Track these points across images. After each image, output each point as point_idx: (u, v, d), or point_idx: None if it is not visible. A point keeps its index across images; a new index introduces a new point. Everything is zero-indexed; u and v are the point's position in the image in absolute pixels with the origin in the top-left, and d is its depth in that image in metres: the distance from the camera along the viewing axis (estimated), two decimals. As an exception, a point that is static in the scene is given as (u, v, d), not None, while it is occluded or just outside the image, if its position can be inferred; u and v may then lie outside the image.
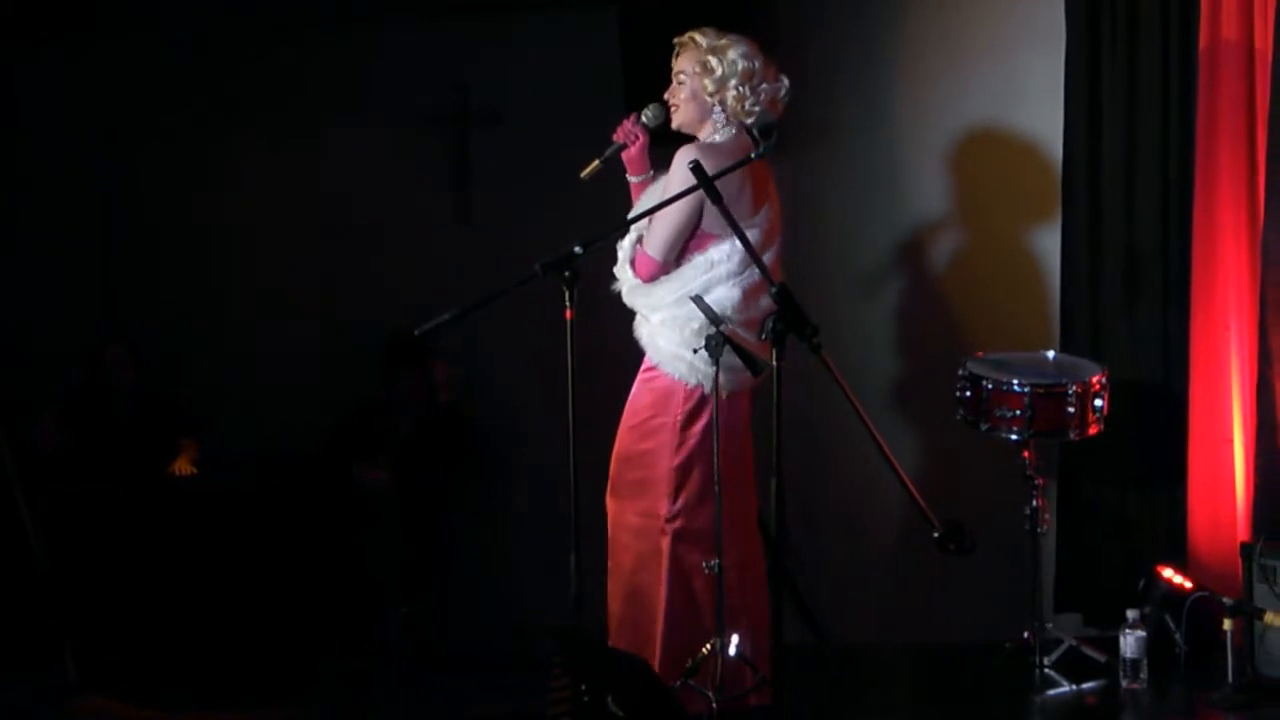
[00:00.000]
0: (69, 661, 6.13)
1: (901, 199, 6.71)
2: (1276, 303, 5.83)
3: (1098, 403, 5.79)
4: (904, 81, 6.69)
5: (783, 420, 4.28)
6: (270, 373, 7.21)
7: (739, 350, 4.98)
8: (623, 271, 5.33)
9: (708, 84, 5.24)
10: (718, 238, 5.19)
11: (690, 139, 5.32)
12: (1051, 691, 5.70)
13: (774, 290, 4.39)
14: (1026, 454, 5.77)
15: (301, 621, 6.54)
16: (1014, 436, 5.76)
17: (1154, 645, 5.71)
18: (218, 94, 7.28)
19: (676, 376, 5.25)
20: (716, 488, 5.12)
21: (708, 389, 5.16)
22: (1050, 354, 6.08)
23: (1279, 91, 5.85)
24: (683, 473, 5.26)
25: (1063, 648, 5.82)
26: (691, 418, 5.25)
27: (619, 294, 5.34)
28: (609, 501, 5.36)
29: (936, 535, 4.38)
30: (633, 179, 5.46)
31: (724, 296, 5.16)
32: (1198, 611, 5.78)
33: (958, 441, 6.20)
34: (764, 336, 4.47)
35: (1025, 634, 5.83)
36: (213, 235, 7.32)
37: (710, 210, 5.07)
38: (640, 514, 5.30)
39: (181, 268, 7.35)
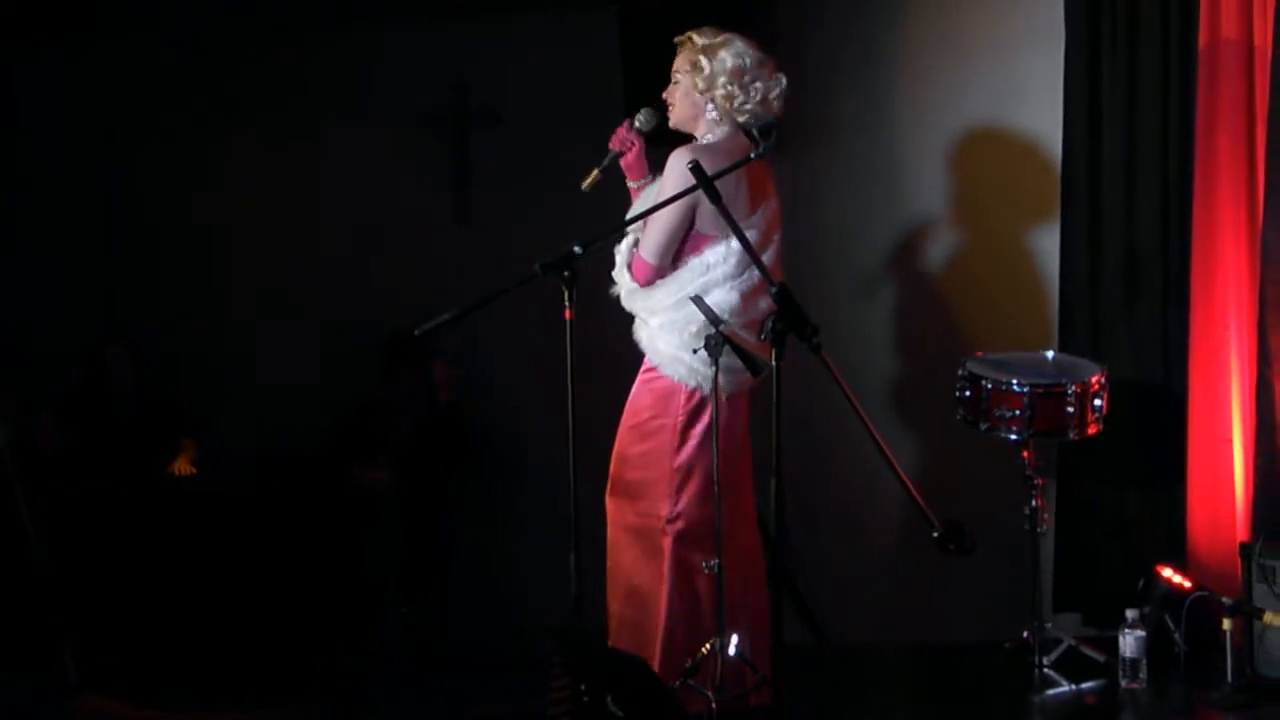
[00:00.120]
0: (69, 661, 6.13)
1: (901, 198, 6.71)
2: (1276, 302, 5.82)
3: (1097, 402, 5.79)
4: (904, 81, 6.69)
5: (782, 420, 4.28)
6: (270, 373, 7.21)
7: (738, 350, 4.98)
8: (620, 275, 5.33)
9: (698, 82, 5.25)
10: (713, 240, 5.18)
11: (690, 138, 5.33)
12: (1051, 691, 5.70)
13: (774, 290, 4.39)
14: (1026, 454, 5.78)
15: (301, 621, 6.54)
16: (1013, 436, 5.76)
17: (1153, 645, 5.71)
18: (218, 94, 7.28)
19: (676, 379, 5.25)
20: (716, 488, 5.12)
21: (707, 390, 5.17)
22: (1050, 354, 6.09)
23: (1279, 90, 5.84)
24: (683, 473, 5.26)
25: (1062, 647, 5.81)
26: (692, 419, 5.26)
27: (618, 297, 5.35)
28: (608, 501, 5.37)
29: (936, 535, 4.38)
30: (632, 185, 5.46)
31: (721, 300, 5.16)
32: (1197, 611, 5.78)
33: (957, 441, 6.21)
34: (763, 336, 4.46)
35: (1025, 634, 5.83)
36: (213, 235, 7.32)
37: (704, 211, 5.07)
38: (640, 514, 5.30)
39: (181, 268, 7.35)
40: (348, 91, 7.20)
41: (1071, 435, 5.80)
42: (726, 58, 5.23)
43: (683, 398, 5.26)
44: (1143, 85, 6.25)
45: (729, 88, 5.23)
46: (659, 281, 5.23)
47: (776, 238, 5.35)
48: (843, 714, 5.74)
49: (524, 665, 5.35)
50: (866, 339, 6.66)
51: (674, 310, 5.19)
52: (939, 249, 6.69)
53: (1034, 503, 5.79)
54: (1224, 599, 5.63)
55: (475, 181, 7.18)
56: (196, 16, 7.06)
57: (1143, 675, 5.64)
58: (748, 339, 5.11)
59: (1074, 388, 5.74)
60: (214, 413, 7.12)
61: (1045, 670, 5.75)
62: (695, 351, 5.10)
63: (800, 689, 4.99)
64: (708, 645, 5.15)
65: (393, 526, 6.79)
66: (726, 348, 4.99)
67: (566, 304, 4.75)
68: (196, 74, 7.28)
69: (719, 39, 5.26)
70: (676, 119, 5.34)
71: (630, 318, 5.38)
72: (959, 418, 5.90)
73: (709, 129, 5.29)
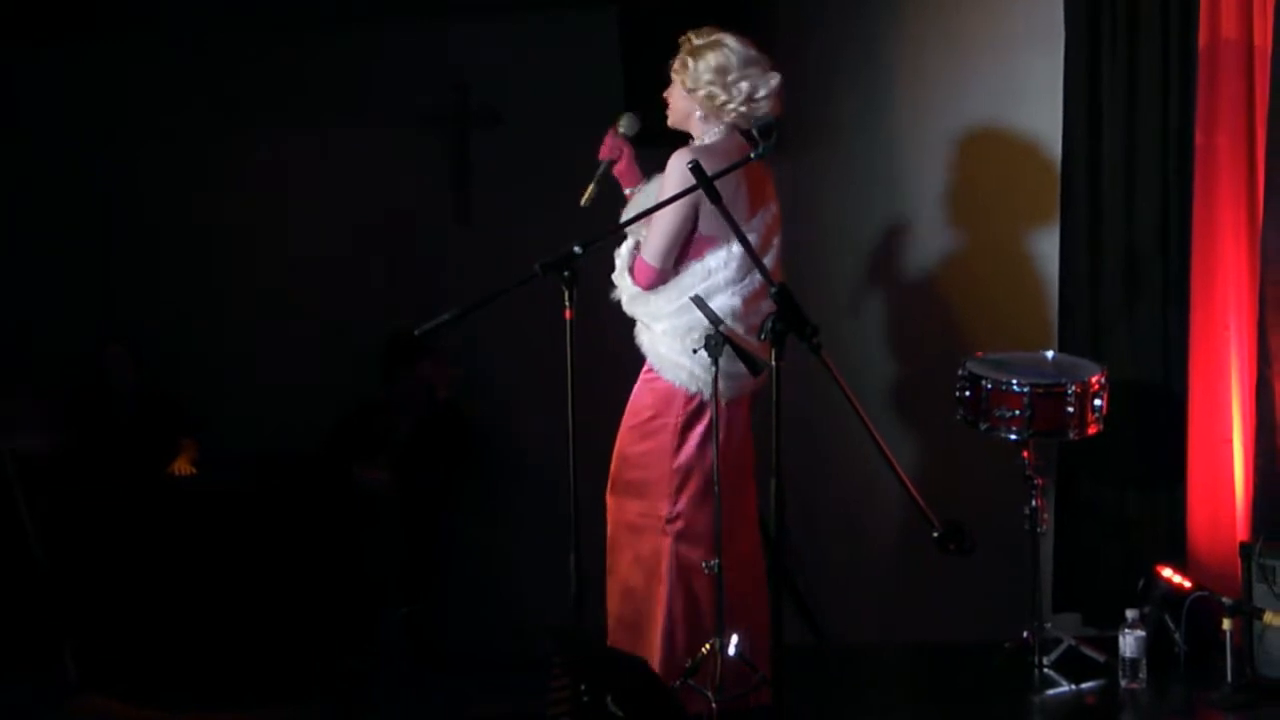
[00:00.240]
0: (69, 661, 6.13)
1: (901, 198, 6.71)
2: (1276, 302, 5.82)
3: (1097, 402, 5.79)
4: (904, 81, 6.70)
5: (782, 420, 4.28)
6: (270, 373, 7.21)
7: (738, 350, 4.97)
8: (621, 279, 5.32)
9: (685, 81, 5.27)
10: (715, 244, 5.18)
11: (689, 138, 5.33)
12: (1051, 691, 5.70)
13: (773, 290, 4.39)
14: (1026, 454, 5.77)
15: (301, 621, 6.54)
16: (1013, 436, 5.76)
17: (1153, 645, 5.70)
18: (218, 94, 7.28)
19: (678, 384, 5.25)
20: (716, 488, 5.12)
21: (708, 395, 5.17)
22: (1050, 354, 6.08)
23: (1279, 90, 5.84)
24: (683, 474, 5.26)
25: (1062, 647, 5.81)
26: (692, 419, 5.25)
27: (619, 301, 5.34)
28: (609, 500, 5.37)
29: (936, 535, 4.38)
30: (628, 191, 5.46)
31: (724, 305, 5.16)
32: (1197, 611, 5.78)
33: (957, 441, 6.20)
34: (763, 337, 4.47)
35: (1025, 634, 5.82)
36: (213, 235, 7.32)
37: (707, 213, 5.07)
38: (640, 514, 5.30)
39: (181, 268, 7.35)
40: (348, 91, 7.20)
41: (1071, 435, 5.80)
42: (711, 57, 5.24)
43: (683, 398, 5.25)
44: (1143, 85, 6.25)
45: (711, 87, 5.24)
46: (661, 287, 5.23)
47: (777, 241, 5.34)
48: (843, 714, 5.74)
49: (524, 665, 5.35)
50: (866, 339, 6.67)
51: (677, 316, 5.18)
52: (939, 249, 6.69)
53: (1034, 503, 5.79)
54: (1224, 599, 5.63)
55: (475, 181, 7.18)
56: (196, 16, 7.06)
57: (1143, 675, 5.64)
58: (748, 339, 5.11)
59: (1074, 388, 5.74)
60: (214, 413, 7.12)
61: (1045, 670, 5.75)
62: (695, 351, 5.10)
63: (800, 689, 4.99)
64: (707, 645, 5.15)
65: (393, 526, 6.79)
66: (726, 347, 4.99)
67: (566, 304, 4.75)
68: (196, 74, 7.28)
69: (709, 39, 5.26)
70: (673, 119, 5.35)
71: (631, 319, 5.38)
72: (959, 418, 5.90)
73: (702, 128, 5.29)
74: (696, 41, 5.27)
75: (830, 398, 4.63)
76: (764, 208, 5.33)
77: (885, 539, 6.58)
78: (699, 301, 5.02)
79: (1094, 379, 5.80)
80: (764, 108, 5.24)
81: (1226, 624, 5.57)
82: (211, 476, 6.91)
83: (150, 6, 7.10)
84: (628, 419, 5.36)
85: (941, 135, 6.64)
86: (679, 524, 5.26)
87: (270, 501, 6.74)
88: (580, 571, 4.79)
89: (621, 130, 5.42)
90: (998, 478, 6.01)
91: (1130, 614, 5.67)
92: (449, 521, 6.96)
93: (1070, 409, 5.73)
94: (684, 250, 5.22)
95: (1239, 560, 5.73)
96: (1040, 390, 5.72)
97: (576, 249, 4.73)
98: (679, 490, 5.26)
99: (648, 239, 5.24)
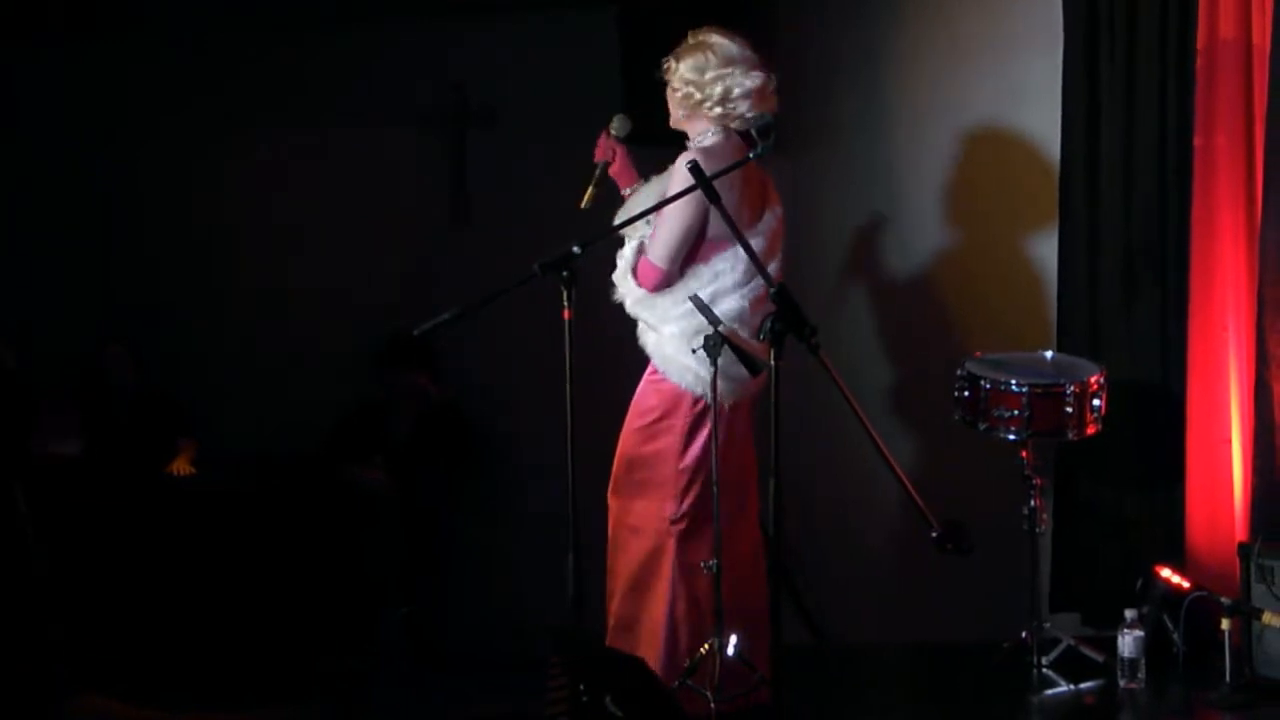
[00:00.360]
0: (69, 661, 6.13)
1: (900, 198, 6.71)
2: (1274, 303, 5.82)
3: (1095, 403, 5.79)
4: (903, 81, 6.70)
5: (781, 421, 4.28)
6: (270, 373, 7.21)
7: (737, 350, 4.98)
8: (624, 282, 5.32)
9: (672, 80, 5.29)
10: (722, 247, 5.18)
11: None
12: (1049, 691, 5.71)
13: (773, 291, 4.40)
14: (1024, 454, 5.78)
15: (301, 621, 6.55)
16: (1012, 436, 5.76)
17: (1152, 645, 5.71)
18: (218, 94, 7.28)
19: (684, 386, 5.24)
20: (715, 489, 5.13)
21: (724, 395, 5.16)
22: (1048, 354, 6.09)
23: (1277, 89, 5.84)
24: (689, 475, 5.26)
25: (1061, 647, 5.82)
26: (700, 421, 5.25)
27: (619, 303, 5.34)
28: (611, 501, 5.37)
29: (935, 535, 4.39)
30: (626, 191, 5.47)
31: (731, 308, 5.17)
32: (1196, 611, 5.79)
33: (956, 441, 6.21)
34: (762, 337, 4.47)
35: (1023, 634, 5.83)
36: (213, 235, 7.32)
37: (716, 216, 5.07)
38: (645, 514, 5.30)
39: (181, 268, 7.35)
40: (347, 91, 7.20)
41: (1070, 435, 5.80)
42: (690, 58, 5.26)
43: (690, 400, 5.26)
44: (1141, 85, 6.26)
45: (687, 87, 5.27)
46: (668, 290, 5.22)
47: (781, 245, 5.36)
48: (842, 714, 5.74)
49: (524, 665, 5.35)
50: (865, 339, 6.67)
51: (685, 319, 5.17)
52: (938, 249, 6.70)
53: (1032, 503, 5.79)
54: (1222, 599, 5.64)
55: (474, 181, 7.18)
56: (196, 16, 7.07)
57: (1141, 675, 5.65)
58: (749, 342, 5.10)
59: (1072, 388, 5.74)
60: (214, 413, 7.13)
61: (1044, 670, 5.75)
62: (694, 352, 5.10)
63: (799, 689, 5.00)
64: (706, 645, 5.15)
65: (393, 526, 6.79)
66: (725, 348, 4.99)
67: (565, 304, 4.76)
68: (196, 74, 7.28)
69: (696, 40, 5.29)
70: (671, 119, 5.37)
71: (631, 320, 5.38)
72: (958, 418, 5.90)
73: (690, 128, 5.32)
74: (687, 43, 5.29)
75: (829, 398, 4.64)
76: (769, 210, 5.34)
77: (884, 539, 6.58)
78: (698, 302, 5.02)
79: (1093, 379, 5.80)
80: (743, 108, 5.24)
81: (1225, 624, 5.57)
82: (211, 477, 6.91)
83: (150, 6, 7.10)
84: (632, 420, 5.36)
85: (941, 136, 6.64)
86: (683, 524, 5.26)
87: (270, 502, 6.74)
88: (579, 571, 4.80)
89: (613, 132, 5.44)
90: (996, 478, 6.01)
91: (1129, 614, 5.67)
92: (449, 521, 6.96)
93: (1069, 409, 5.73)
94: (692, 253, 5.22)
95: (1237, 560, 5.72)
96: (1039, 390, 5.73)
97: (575, 249, 4.73)
98: (684, 491, 5.26)
99: (655, 241, 5.23)
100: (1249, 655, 5.62)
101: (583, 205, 5.35)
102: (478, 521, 7.01)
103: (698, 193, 4.89)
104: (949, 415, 5.94)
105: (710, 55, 5.24)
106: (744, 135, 5.24)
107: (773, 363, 4.33)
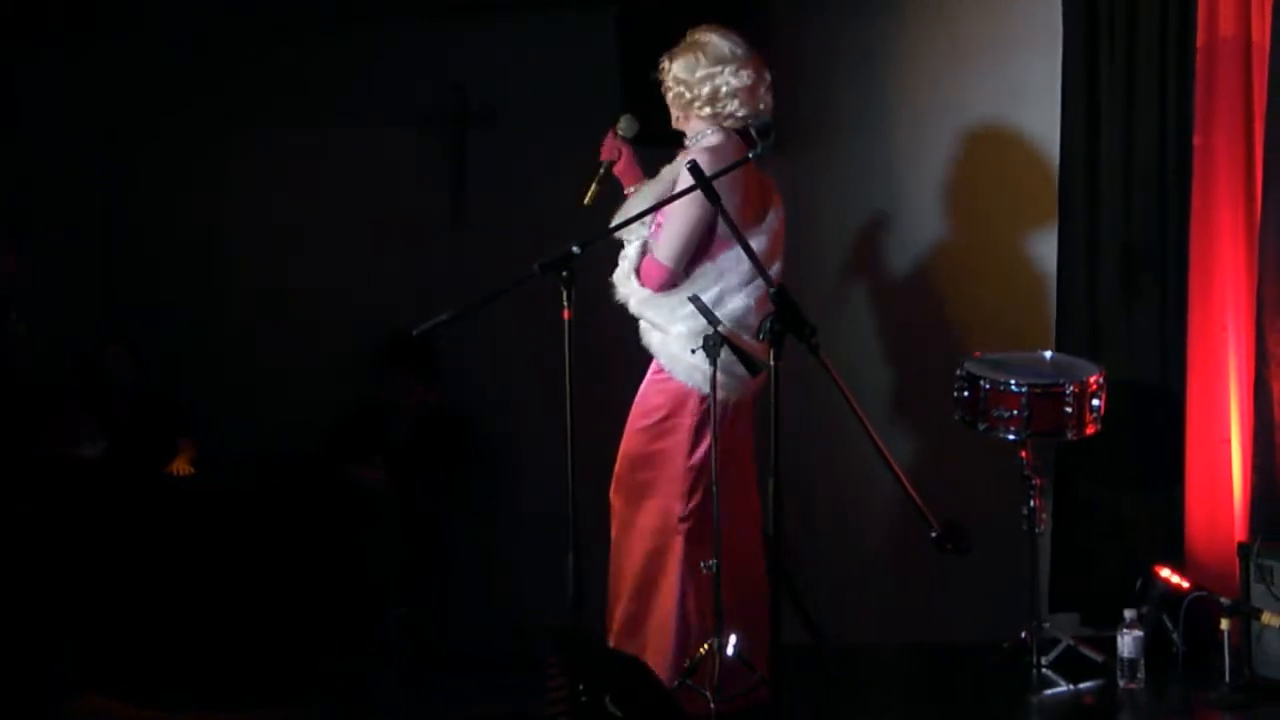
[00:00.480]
0: (69, 661, 6.13)
1: (900, 198, 6.72)
2: (1273, 302, 5.82)
3: (1095, 403, 5.79)
4: (902, 81, 6.70)
5: (780, 420, 4.29)
6: (270, 373, 7.21)
7: (737, 350, 4.98)
8: (628, 283, 5.31)
9: (666, 80, 5.31)
10: (729, 244, 5.17)
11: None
12: (1049, 691, 5.70)
13: (772, 291, 4.41)
14: (1024, 454, 5.77)
15: (301, 621, 6.54)
16: (1011, 436, 5.76)
17: (1151, 645, 5.71)
18: (218, 94, 7.29)
19: (691, 385, 5.23)
20: (714, 488, 5.13)
21: (723, 394, 5.16)
22: (1047, 354, 6.09)
23: (1276, 85, 5.84)
24: (697, 473, 5.26)
25: (1060, 647, 5.82)
26: (706, 419, 5.24)
27: (621, 302, 5.33)
28: (615, 501, 5.36)
29: (934, 535, 4.39)
30: (629, 190, 5.47)
31: (738, 305, 5.17)
32: (1195, 611, 5.79)
33: (955, 441, 6.21)
34: (762, 337, 4.47)
35: (1023, 634, 5.83)
36: (213, 235, 7.32)
37: (731, 212, 5.08)
38: (653, 513, 5.30)
39: (181, 268, 7.35)
40: (347, 91, 7.20)
41: (1069, 435, 5.80)
42: (682, 57, 5.27)
43: (697, 399, 5.25)
44: (1141, 84, 6.26)
45: (678, 86, 5.28)
46: (674, 290, 5.22)
47: (782, 246, 5.36)
48: (840, 714, 5.74)
49: (524, 665, 5.34)
50: (864, 339, 6.67)
51: (692, 318, 5.15)
52: (937, 249, 6.70)
53: (1032, 503, 5.79)
54: (1222, 599, 5.64)
55: (474, 181, 7.18)
56: (196, 16, 7.07)
57: (1141, 675, 5.65)
58: (749, 342, 5.10)
59: (1072, 388, 5.74)
60: (214, 413, 7.12)
61: (1043, 670, 5.75)
62: (693, 352, 5.10)
63: (798, 689, 5.00)
64: (705, 645, 5.16)
65: (392, 526, 6.79)
66: (725, 348, 4.99)
67: (565, 304, 4.76)
68: (196, 74, 7.29)
69: (691, 39, 5.29)
70: (672, 119, 5.38)
71: (631, 320, 5.38)
72: (957, 418, 5.90)
73: (686, 127, 5.32)
74: (683, 42, 5.29)
75: (828, 398, 4.64)
76: (772, 210, 5.34)
77: (883, 539, 6.58)
78: (698, 303, 5.02)
79: (1092, 379, 5.80)
80: (732, 107, 5.24)
81: (1224, 624, 5.57)
82: (211, 477, 6.91)
83: (150, 6, 7.10)
84: (637, 420, 5.36)
85: (940, 135, 6.64)
86: (690, 523, 5.26)
87: (270, 502, 6.74)
88: (579, 571, 4.80)
89: (620, 132, 5.44)
90: (996, 478, 6.01)
91: (1128, 614, 5.67)
92: (449, 521, 6.96)
93: (1068, 409, 5.73)
94: (699, 251, 5.22)
95: (1237, 560, 5.72)
96: (1038, 390, 5.73)
97: (575, 249, 4.73)
98: (692, 490, 5.26)
99: (662, 240, 5.23)
100: (1248, 655, 5.62)
101: (585, 202, 5.35)
102: (478, 521, 7.01)
103: (713, 187, 4.89)
104: (948, 415, 5.94)
105: (700, 55, 5.25)
106: (744, 136, 5.24)
107: (772, 363, 4.33)
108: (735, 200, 5.16)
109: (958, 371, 5.88)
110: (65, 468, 6.81)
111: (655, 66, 5.34)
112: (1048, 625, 5.91)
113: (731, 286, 5.20)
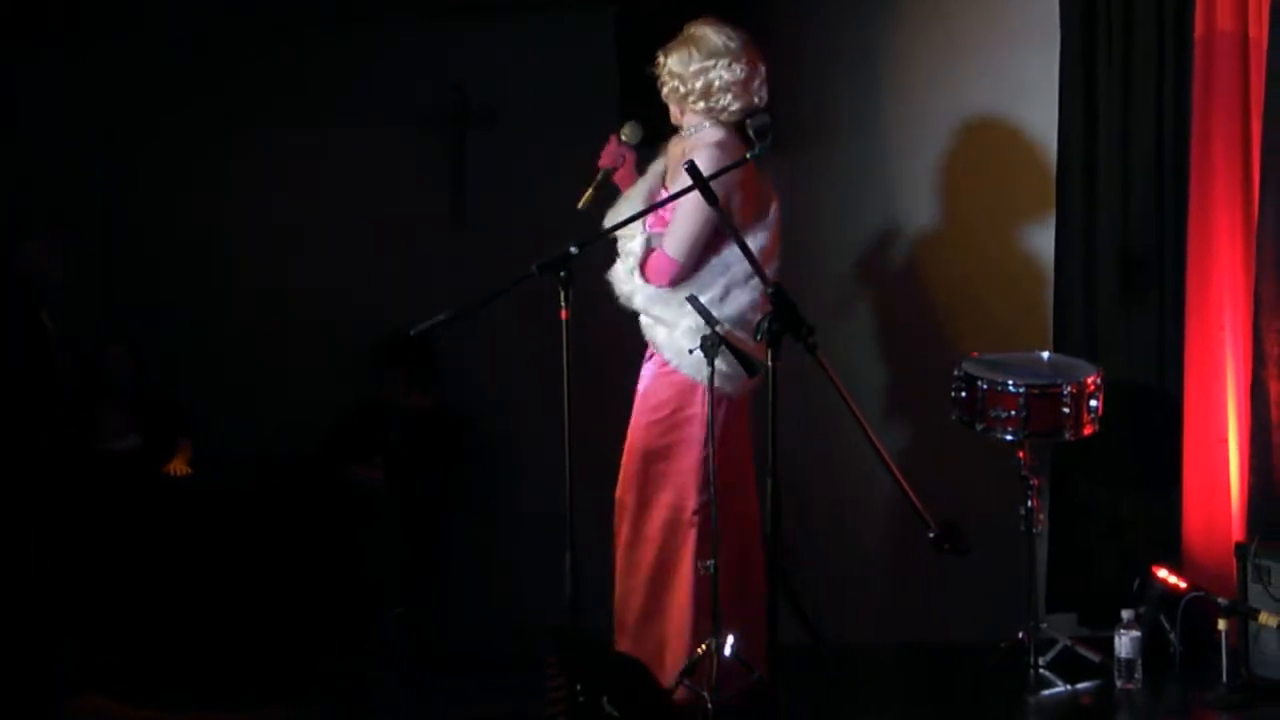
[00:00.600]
0: (69, 661, 6.14)
1: (897, 198, 6.72)
2: (1270, 303, 5.82)
3: (1092, 403, 5.79)
4: (900, 79, 6.71)
5: (778, 420, 4.29)
6: (270, 373, 7.22)
7: (735, 350, 4.98)
8: (631, 280, 5.31)
9: (661, 74, 5.32)
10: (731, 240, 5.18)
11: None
12: (1046, 691, 5.70)
13: (770, 291, 4.42)
14: (1021, 454, 5.77)
15: (301, 621, 6.55)
16: (1009, 437, 5.76)
17: (1149, 645, 5.71)
18: (218, 94, 7.29)
19: (700, 379, 5.21)
20: (712, 488, 5.12)
21: (727, 391, 5.17)
22: (1045, 354, 6.09)
23: (1274, 82, 5.84)
24: (708, 464, 5.23)
25: (1058, 648, 5.82)
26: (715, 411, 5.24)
27: (623, 299, 5.33)
28: (625, 497, 5.35)
29: (932, 535, 4.41)
30: (627, 193, 5.46)
31: (743, 299, 5.17)
32: (1193, 612, 5.79)
33: (953, 442, 6.20)
34: (759, 337, 4.48)
35: (1020, 634, 5.82)
36: (213, 235, 7.33)
37: (735, 206, 5.08)
38: (667, 507, 5.29)
39: (181, 268, 7.36)
40: (347, 91, 7.21)
41: (1067, 436, 5.80)
42: (677, 52, 5.27)
43: (704, 391, 5.23)
44: (1138, 82, 6.26)
45: (673, 81, 5.29)
46: (681, 285, 5.22)
47: (779, 244, 5.37)
48: (839, 714, 5.74)
49: (524, 665, 5.35)
50: (862, 339, 6.67)
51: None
52: (934, 248, 6.70)
53: (1029, 503, 5.79)
54: (1219, 599, 5.64)
55: (473, 182, 7.19)
56: (196, 16, 7.07)
57: (1138, 675, 5.65)
58: (747, 342, 5.10)
59: (1069, 388, 5.74)
60: (214, 413, 7.13)
61: (1041, 670, 5.75)
62: (691, 352, 5.10)
63: (796, 689, 5.00)
64: (704, 645, 5.16)
65: (392, 526, 6.80)
66: (723, 348, 4.99)
67: (563, 304, 4.76)
68: (196, 74, 7.29)
69: (686, 34, 5.29)
70: (670, 115, 5.39)
71: (628, 317, 5.38)
72: (955, 418, 5.90)
73: (682, 122, 5.33)
74: (679, 37, 5.29)
75: (826, 398, 4.65)
76: (771, 206, 5.34)
77: (881, 539, 6.59)
78: (696, 303, 5.02)
79: (1089, 379, 5.80)
80: (725, 100, 5.24)
81: (1222, 624, 5.57)
82: (211, 476, 6.92)
83: (150, 6, 7.11)
84: (645, 415, 5.34)
85: (937, 134, 6.65)
86: (703, 515, 5.23)
87: (270, 502, 6.75)
88: (578, 571, 4.80)
89: (624, 138, 5.42)
90: (993, 478, 6.01)
91: (1126, 614, 5.68)
92: (449, 521, 6.97)
93: (1066, 409, 5.73)
94: (705, 248, 5.22)
95: (1234, 561, 5.72)
96: (1036, 391, 5.73)
97: (573, 249, 4.75)
98: (706, 482, 5.22)
99: (671, 235, 5.22)
100: (1246, 655, 5.62)
101: (580, 206, 5.35)
102: (477, 521, 7.02)
103: (710, 186, 4.88)
104: (946, 415, 5.94)
105: (694, 49, 5.25)
106: (742, 135, 5.24)
107: (770, 363, 4.33)
108: (737, 199, 5.17)
109: (955, 372, 5.88)
110: (105, 461, 6.85)
111: (651, 62, 5.34)
112: (1045, 625, 5.91)
113: (737, 281, 5.20)
